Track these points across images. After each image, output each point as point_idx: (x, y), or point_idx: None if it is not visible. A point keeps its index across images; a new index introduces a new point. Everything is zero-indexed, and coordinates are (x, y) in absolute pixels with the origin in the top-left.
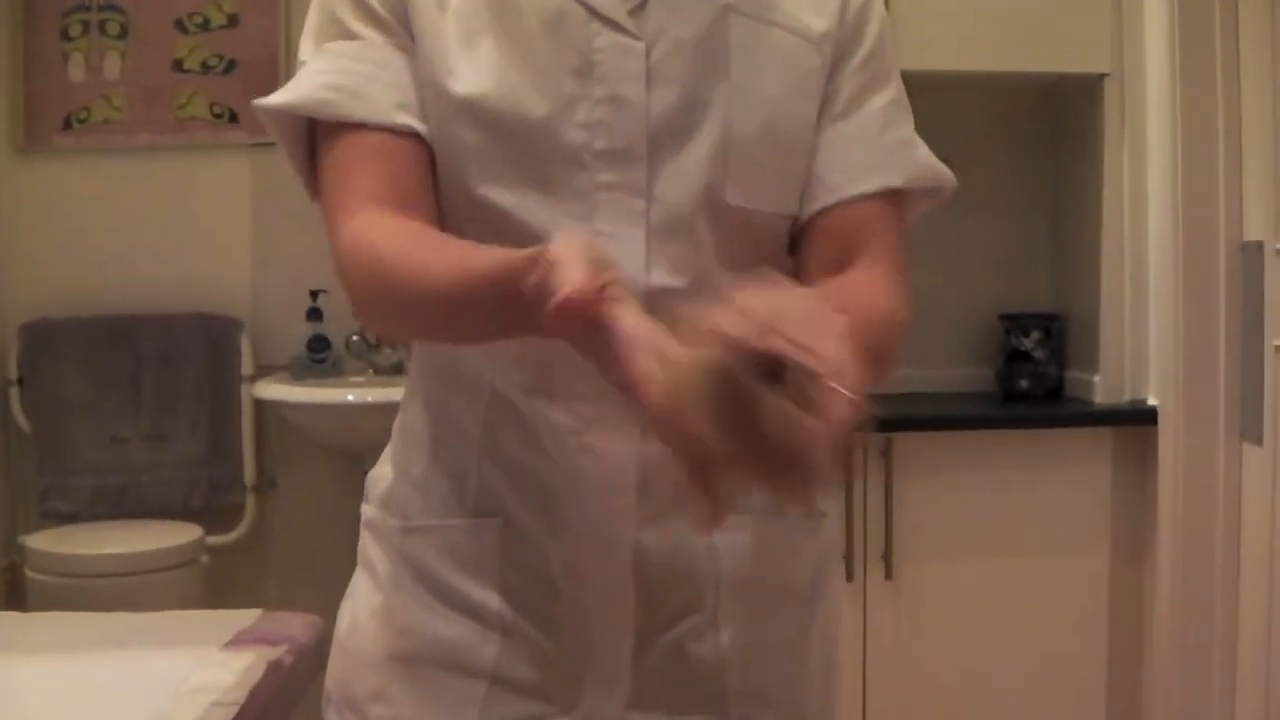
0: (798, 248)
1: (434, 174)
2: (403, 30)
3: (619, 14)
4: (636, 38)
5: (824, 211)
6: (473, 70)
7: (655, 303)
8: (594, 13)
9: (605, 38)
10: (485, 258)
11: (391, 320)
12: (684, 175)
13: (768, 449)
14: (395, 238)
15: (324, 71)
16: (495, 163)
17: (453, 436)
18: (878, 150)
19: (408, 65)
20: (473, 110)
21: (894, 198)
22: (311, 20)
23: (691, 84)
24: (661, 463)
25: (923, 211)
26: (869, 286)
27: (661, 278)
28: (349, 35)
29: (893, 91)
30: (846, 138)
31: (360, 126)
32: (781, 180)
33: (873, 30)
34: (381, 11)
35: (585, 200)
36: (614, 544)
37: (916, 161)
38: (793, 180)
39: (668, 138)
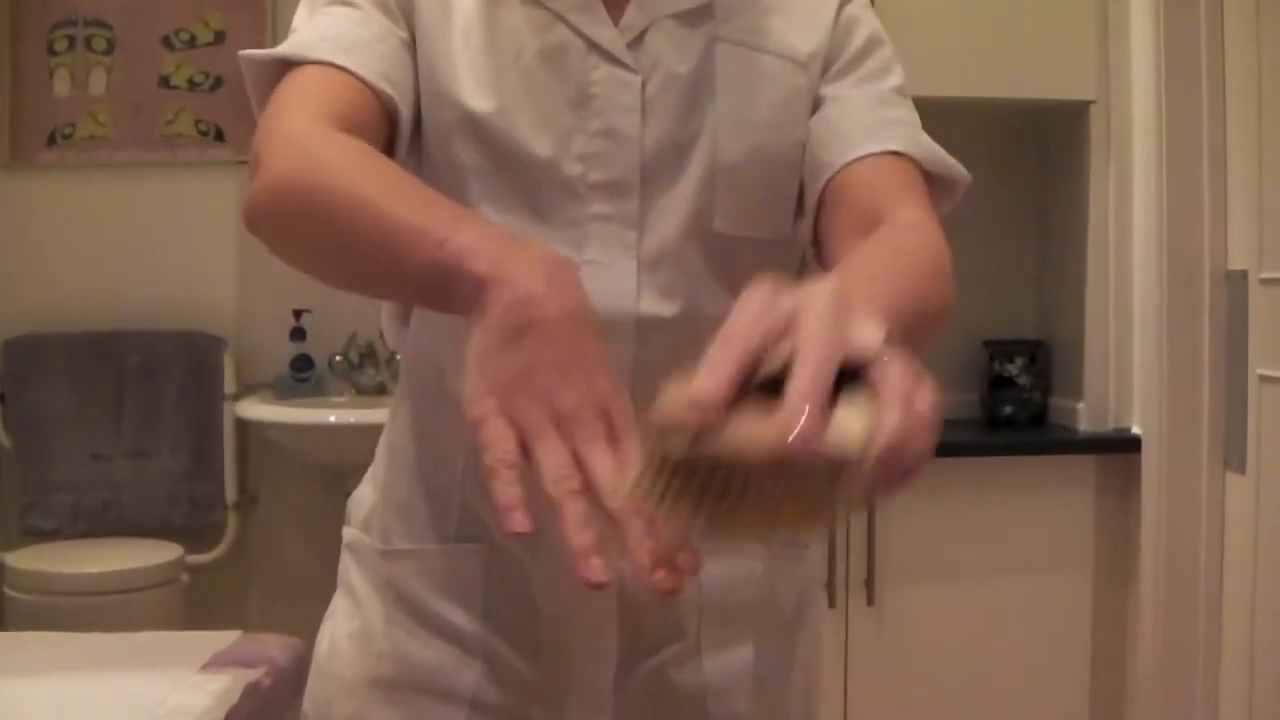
0: (818, 231)
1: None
2: (406, 27)
3: (618, 47)
4: (633, 71)
5: (831, 182)
6: (475, 93)
7: (645, 330)
8: (593, 46)
9: (603, 70)
10: (423, 219)
11: (299, 232)
12: (675, 206)
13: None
14: (349, 149)
15: (320, 28)
16: (490, 184)
17: (436, 459)
18: (873, 123)
19: (403, 52)
20: (474, 129)
21: (906, 164)
22: None
23: (683, 116)
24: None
25: (940, 213)
26: (901, 230)
27: (651, 305)
28: (351, 6)
29: (892, 83)
30: (838, 116)
31: (340, 69)
32: (771, 205)
33: (859, 36)
34: (389, 0)
35: (578, 229)
36: None
37: (921, 140)
38: (783, 204)
39: (660, 170)
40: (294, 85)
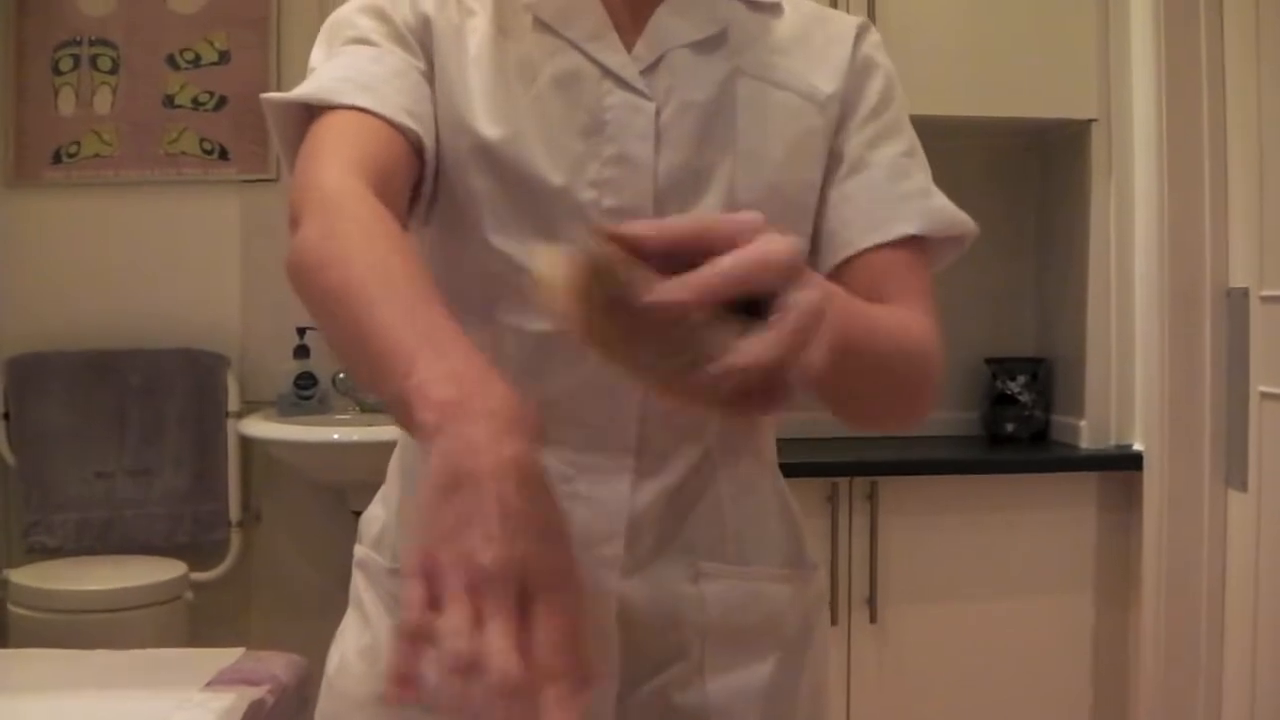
0: None
1: (434, 210)
2: (424, 57)
3: (631, 74)
4: (647, 98)
5: (842, 267)
6: (490, 120)
7: None
8: (607, 72)
9: (616, 97)
10: (405, 338)
11: (311, 306)
12: None
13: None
14: (367, 228)
15: (339, 68)
16: (503, 211)
17: None
18: (890, 200)
19: (422, 84)
20: (486, 156)
21: (915, 246)
22: (326, 31)
23: (698, 146)
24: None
25: (948, 262)
26: (893, 313)
27: None
28: (368, 44)
29: (903, 144)
30: (857, 192)
31: (362, 111)
32: None
33: (875, 85)
34: (405, 33)
35: None
36: (599, 591)
37: (932, 209)
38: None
39: (674, 198)
40: (323, 133)
